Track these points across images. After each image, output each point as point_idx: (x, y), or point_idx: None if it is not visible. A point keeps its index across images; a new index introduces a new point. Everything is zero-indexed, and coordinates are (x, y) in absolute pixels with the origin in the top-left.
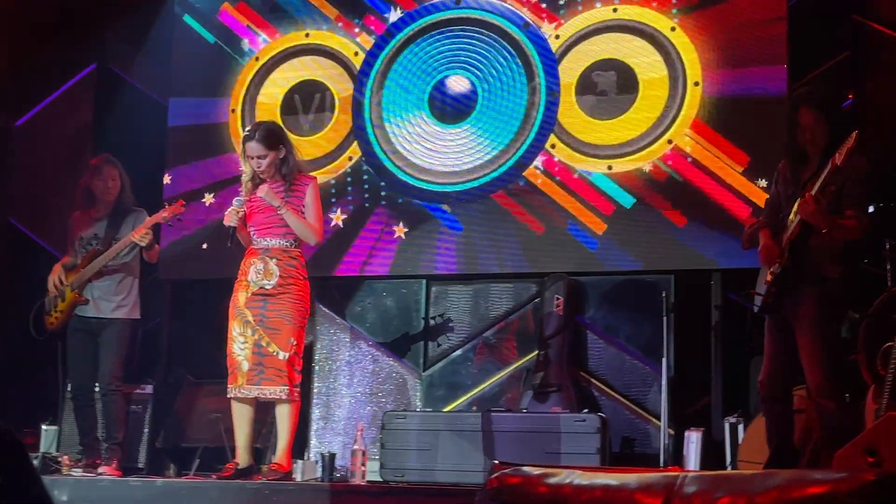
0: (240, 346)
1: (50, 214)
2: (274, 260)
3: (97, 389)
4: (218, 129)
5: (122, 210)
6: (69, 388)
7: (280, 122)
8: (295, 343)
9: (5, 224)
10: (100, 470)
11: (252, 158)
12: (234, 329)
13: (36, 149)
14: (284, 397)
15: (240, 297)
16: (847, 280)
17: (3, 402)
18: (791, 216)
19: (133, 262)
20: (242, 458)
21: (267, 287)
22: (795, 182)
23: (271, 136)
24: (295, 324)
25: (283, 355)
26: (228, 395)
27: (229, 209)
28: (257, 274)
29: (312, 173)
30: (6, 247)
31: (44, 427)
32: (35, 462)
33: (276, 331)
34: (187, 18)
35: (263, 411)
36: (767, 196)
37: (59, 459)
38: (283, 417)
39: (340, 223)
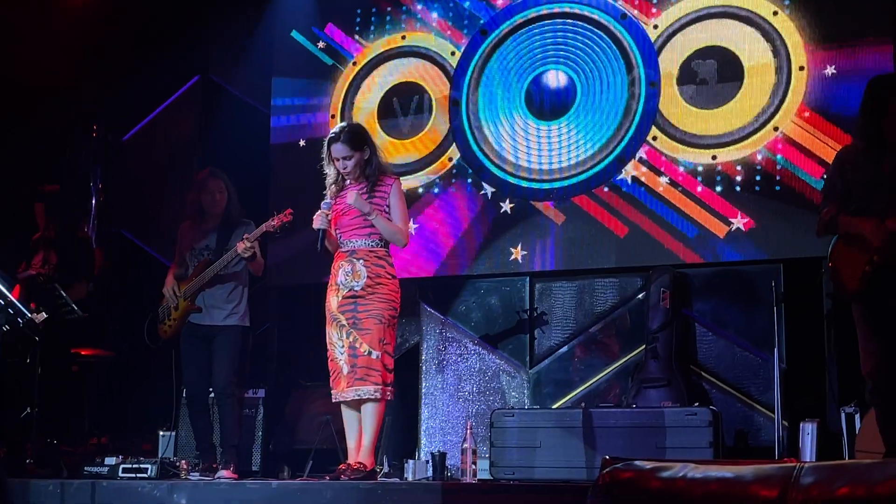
0: (339, 351)
1: (159, 225)
2: (361, 261)
3: (212, 395)
4: (319, 139)
5: (231, 221)
6: (184, 395)
7: (378, 126)
8: (386, 342)
9: (117, 235)
10: (218, 473)
11: (337, 160)
12: (332, 335)
13: (143, 162)
14: (376, 396)
15: (332, 301)
16: None
17: (121, 411)
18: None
19: (243, 271)
20: (353, 460)
21: (356, 289)
22: (876, 172)
23: (356, 138)
24: (385, 323)
25: (375, 354)
26: (333, 400)
27: (317, 213)
28: (346, 276)
29: (415, 175)
30: (119, 257)
31: (161, 433)
32: (153, 467)
33: (367, 331)
34: (294, 34)
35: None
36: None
37: (177, 464)
38: (369, 416)
39: (439, 226)
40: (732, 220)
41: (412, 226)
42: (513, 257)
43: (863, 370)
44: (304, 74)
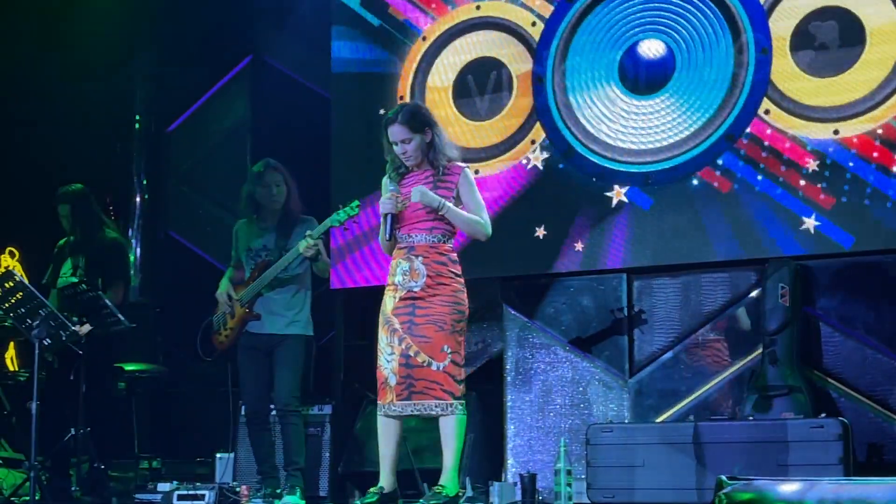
0: (386, 357)
1: (211, 224)
2: (420, 258)
3: (273, 412)
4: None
5: (291, 218)
6: (243, 412)
7: (454, 107)
8: (450, 351)
9: (166, 238)
10: (283, 500)
11: (396, 143)
12: (382, 339)
13: (191, 154)
14: (442, 412)
15: (388, 303)
16: None
17: (173, 431)
18: None
19: (305, 274)
20: (387, 481)
21: (415, 289)
22: None
23: (416, 118)
24: (447, 329)
25: (437, 366)
26: (379, 413)
27: (384, 197)
28: (404, 275)
29: (496, 160)
30: (169, 262)
31: (218, 455)
32: (211, 494)
33: (425, 339)
34: (354, 4)
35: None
36: None
37: (237, 490)
38: (446, 435)
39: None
40: (859, 204)
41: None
42: (608, 250)
43: None
44: (365, 52)
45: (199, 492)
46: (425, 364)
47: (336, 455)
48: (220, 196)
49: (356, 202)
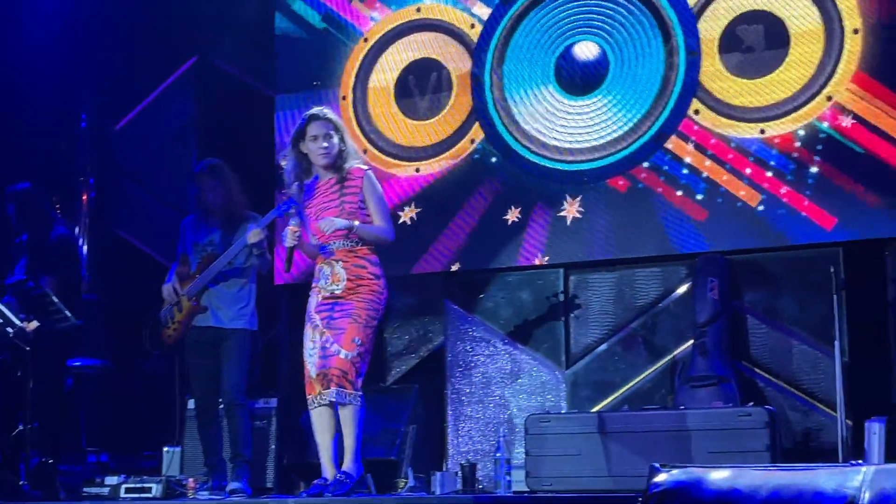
0: (309, 352)
1: (156, 221)
2: (340, 263)
3: (220, 405)
4: None
5: (237, 215)
6: (190, 406)
7: (396, 107)
8: (360, 343)
9: (113, 236)
10: (229, 486)
11: (317, 138)
12: (306, 335)
13: (138, 152)
14: (341, 402)
15: (311, 301)
16: None
17: (121, 425)
18: None
19: (250, 269)
20: (330, 472)
21: (336, 292)
22: None
23: (337, 120)
24: (361, 322)
25: (344, 354)
26: (311, 407)
27: (286, 229)
28: (325, 280)
29: (435, 159)
30: (117, 259)
31: (165, 449)
32: (158, 487)
33: (340, 330)
34: (298, 5)
35: (395, 418)
36: None
37: (184, 483)
38: (346, 423)
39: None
40: (784, 201)
41: (407, 213)
42: (545, 246)
43: None
44: (309, 53)
45: (146, 484)
46: (335, 353)
47: (282, 447)
48: (168, 194)
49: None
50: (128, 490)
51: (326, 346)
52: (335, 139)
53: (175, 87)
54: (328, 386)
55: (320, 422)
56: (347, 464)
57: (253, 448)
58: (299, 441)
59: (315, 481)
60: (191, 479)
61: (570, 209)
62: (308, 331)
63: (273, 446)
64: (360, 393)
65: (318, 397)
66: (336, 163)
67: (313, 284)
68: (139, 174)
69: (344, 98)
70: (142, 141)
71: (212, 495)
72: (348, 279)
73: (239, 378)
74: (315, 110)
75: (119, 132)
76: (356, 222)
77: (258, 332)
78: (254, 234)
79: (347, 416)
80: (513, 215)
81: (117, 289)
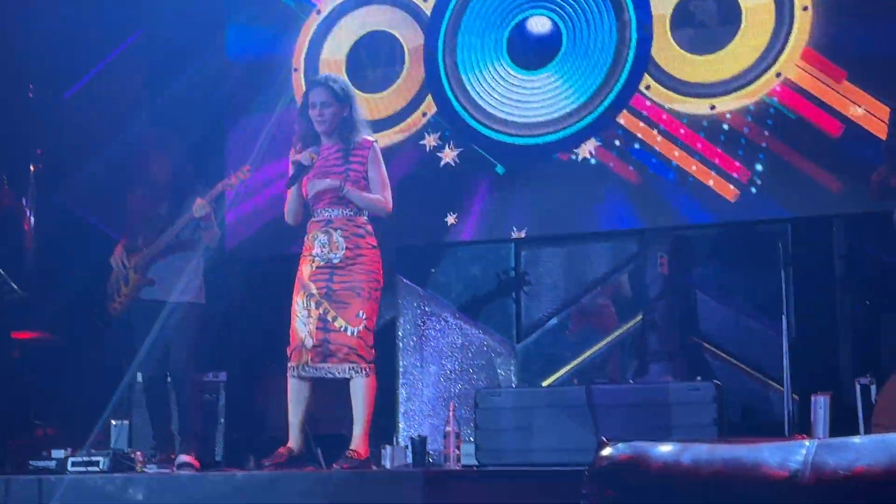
0: (303, 321)
1: (108, 194)
2: (339, 231)
3: (169, 379)
4: (279, 93)
5: (183, 187)
6: (139, 379)
7: (346, 78)
8: (365, 317)
9: (61, 207)
10: (177, 460)
11: (314, 106)
12: (298, 303)
13: (86, 123)
14: (356, 376)
15: (304, 269)
16: None
17: (68, 398)
18: None
19: (198, 241)
20: (297, 443)
21: (334, 260)
22: None
23: (341, 88)
24: (364, 296)
25: (351, 331)
26: (290, 375)
27: (306, 152)
28: (322, 248)
29: (387, 132)
30: (66, 233)
31: (113, 422)
32: (106, 460)
33: (343, 304)
34: None
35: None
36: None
37: (132, 456)
38: (358, 398)
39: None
40: (734, 176)
41: None
42: (497, 221)
43: None
44: (261, 24)
45: (93, 458)
46: (342, 329)
47: (231, 421)
48: (117, 166)
49: (247, 167)
50: (75, 463)
51: (328, 320)
52: (333, 108)
53: (123, 58)
54: (328, 361)
55: (298, 393)
56: (356, 441)
57: (202, 422)
58: (249, 415)
59: (280, 449)
60: (139, 453)
61: (522, 183)
62: (300, 299)
63: (222, 420)
64: (372, 364)
65: (303, 367)
66: (338, 132)
67: (304, 253)
68: (87, 144)
69: (296, 70)
70: (91, 111)
71: (160, 468)
72: (347, 248)
73: (187, 352)
74: (320, 76)
75: (67, 102)
76: (346, 186)
77: (208, 305)
78: (200, 207)
79: (359, 390)
80: (464, 189)
81: (64, 260)
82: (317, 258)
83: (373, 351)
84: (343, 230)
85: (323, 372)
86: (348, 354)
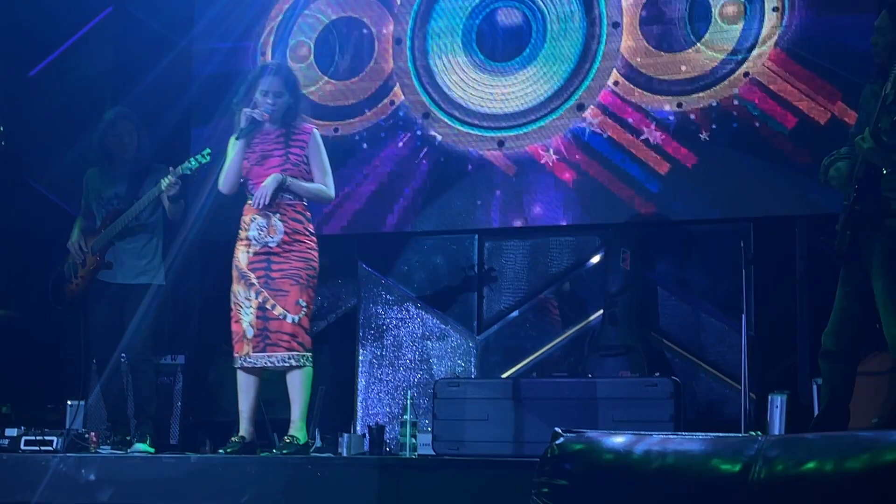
0: (244, 310)
1: (68, 172)
2: (277, 215)
3: (125, 361)
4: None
5: (143, 167)
6: (94, 361)
7: (315, 66)
8: (305, 305)
9: (23, 185)
10: (132, 447)
11: (267, 94)
12: (239, 293)
13: (52, 101)
14: (295, 364)
15: (241, 257)
16: None
17: (24, 377)
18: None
19: (157, 222)
20: (247, 431)
21: (271, 245)
22: (875, 104)
23: (293, 79)
24: (303, 283)
25: (291, 318)
26: (235, 366)
27: (259, 108)
28: (260, 231)
29: (353, 119)
30: (25, 210)
31: (69, 403)
32: (59, 440)
33: (282, 292)
34: None
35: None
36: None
37: (87, 436)
38: (295, 386)
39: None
40: (699, 175)
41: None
42: (461, 212)
43: None
44: (229, 6)
45: (47, 437)
46: (281, 317)
47: (188, 405)
48: (80, 145)
49: (208, 150)
50: (28, 442)
51: (267, 308)
52: (284, 97)
53: (90, 36)
54: (267, 349)
55: (246, 384)
56: (295, 427)
57: (158, 405)
58: (206, 399)
59: (233, 437)
60: (93, 434)
61: (487, 176)
62: (240, 288)
63: (179, 403)
64: (310, 353)
65: (245, 358)
66: (283, 119)
67: (240, 237)
68: (51, 123)
69: (264, 55)
70: (55, 89)
71: (114, 450)
72: (285, 233)
73: (144, 334)
74: (272, 63)
75: (32, 80)
76: (289, 178)
77: (167, 286)
78: (170, 185)
79: (297, 379)
80: (431, 179)
81: (24, 238)
82: (253, 242)
83: (310, 339)
84: (282, 214)
85: (264, 361)
86: (288, 343)
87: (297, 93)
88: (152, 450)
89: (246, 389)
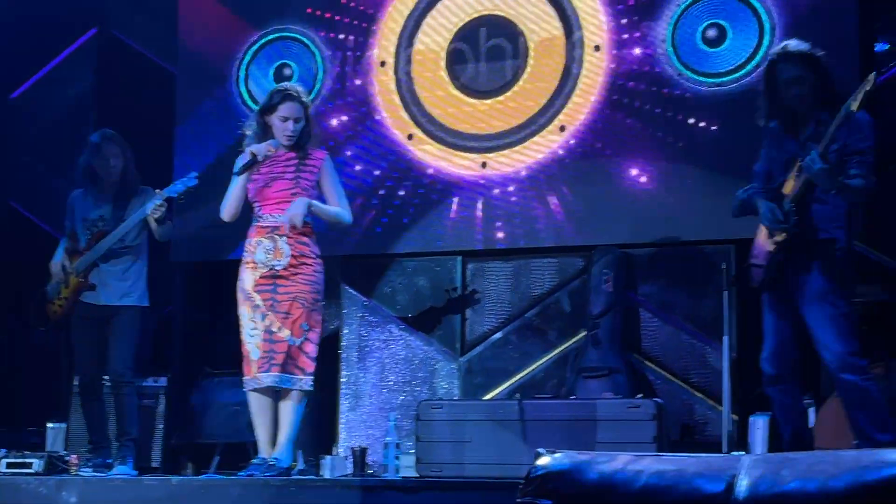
0: (250, 332)
1: (51, 194)
2: (284, 238)
3: (107, 383)
4: (228, 102)
5: (128, 190)
6: (76, 382)
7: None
8: (308, 328)
9: (5, 207)
10: (113, 470)
11: (287, 120)
12: (244, 315)
13: (34, 123)
14: (298, 387)
15: (247, 279)
16: (851, 246)
17: (4, 399)
18: (790, 179)
19: (141, 245)
20: (268, 453)
21: (277, 268)
22: (792, 144)
23: (308, 104)
24: (308, 307)
25: (294, 341)
26: (245, 388)
27: (264, 144)
28: (266, 254)
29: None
30: (7, 231)
31: (50, 425)
32: (40, 462)
33: (287, 315)
34: None
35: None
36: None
37: (67, 459)
38: (287, 408)
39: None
40: (681, 196)
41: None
42: (444, 233)
43: None
44: (213, 29)
45: (27, 460)
46: (285, 339)
47: (170, 427)
48: (63, 166)
49: (194, 174)
50: (8, 465)
51: (273, 331)
52: (302, 123)
53: (74, 58)
54: (271, 370)
55: (260, 407)
56: (279, 449)
57: (140, 427)
58: (188, 421)
59: (253, 460)
60: (74, 456)
61: (471, 197)
62: (246, 310)
63: (161, 426)
64: (310, 378)
65: (256, 379)
66: (299, 143)
67: (246, 259)
68: (34, 145)
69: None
70: (38, 111)
71: (95, 472)
72: (292, 256)
73: (126, 355)
74: (291, 89)
75: (14, 101)
76: (315, 203)
77: (149, 308)
78: (156, 208)
79: (287, 402)
80: (414, 201)
81: (6, 260)
82: (260, 265)
83: (314, 364)
84: (288, 237)
85: (269, 381)
86: (287, 364)
87: (310, 117)
88: (134, 472)
89: (260, 412)
